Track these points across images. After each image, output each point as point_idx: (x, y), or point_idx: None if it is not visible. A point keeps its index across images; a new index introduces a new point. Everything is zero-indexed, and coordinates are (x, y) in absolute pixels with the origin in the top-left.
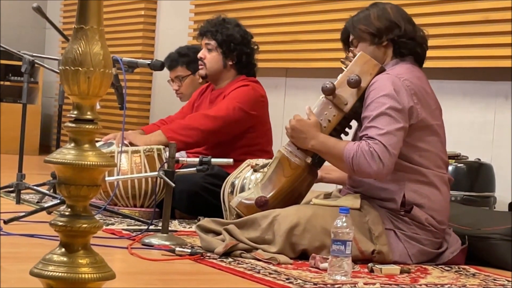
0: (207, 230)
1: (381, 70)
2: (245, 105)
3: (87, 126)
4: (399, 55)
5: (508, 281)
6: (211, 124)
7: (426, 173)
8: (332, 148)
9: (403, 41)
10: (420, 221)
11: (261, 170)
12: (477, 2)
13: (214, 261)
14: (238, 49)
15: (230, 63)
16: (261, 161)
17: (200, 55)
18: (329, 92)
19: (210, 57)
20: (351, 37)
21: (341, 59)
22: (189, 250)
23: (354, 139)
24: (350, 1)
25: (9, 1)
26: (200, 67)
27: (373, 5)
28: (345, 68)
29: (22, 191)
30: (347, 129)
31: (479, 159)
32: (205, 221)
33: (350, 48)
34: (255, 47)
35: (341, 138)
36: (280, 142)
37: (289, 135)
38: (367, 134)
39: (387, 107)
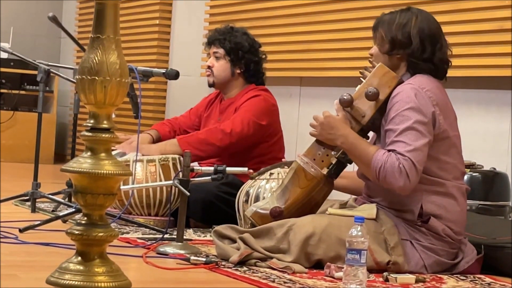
0: (223, 236)
1: (400, 82)
2: (259, 117)
3: (103, 135)
4: (410, 72)
5: None
6: (228, 140)
7: (445, 184)
8: (361, 151)
9: (413, 60)
10: (437, 231)
11: (257, 177)
12: (492, 11)
13: (229, 270)
14: (246, 57)
15: (238, 71)
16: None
17: (208, 63)
18: (347, 104)
19: (218, 65)
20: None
21: (360, 70)
22: (204, 259)
23: None
24: (365, 10)
25: (25, 11)
26: (207, 74)
27: (405, 10)
28: (363, 79)
29: (37, 200)
30: None
31: (494, 168)
32: (222, 227)
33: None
34: (263, 56)
35: None
36: (294, 151)
37: (316, 133)
38: (395, 150)
39: (413, 121)
